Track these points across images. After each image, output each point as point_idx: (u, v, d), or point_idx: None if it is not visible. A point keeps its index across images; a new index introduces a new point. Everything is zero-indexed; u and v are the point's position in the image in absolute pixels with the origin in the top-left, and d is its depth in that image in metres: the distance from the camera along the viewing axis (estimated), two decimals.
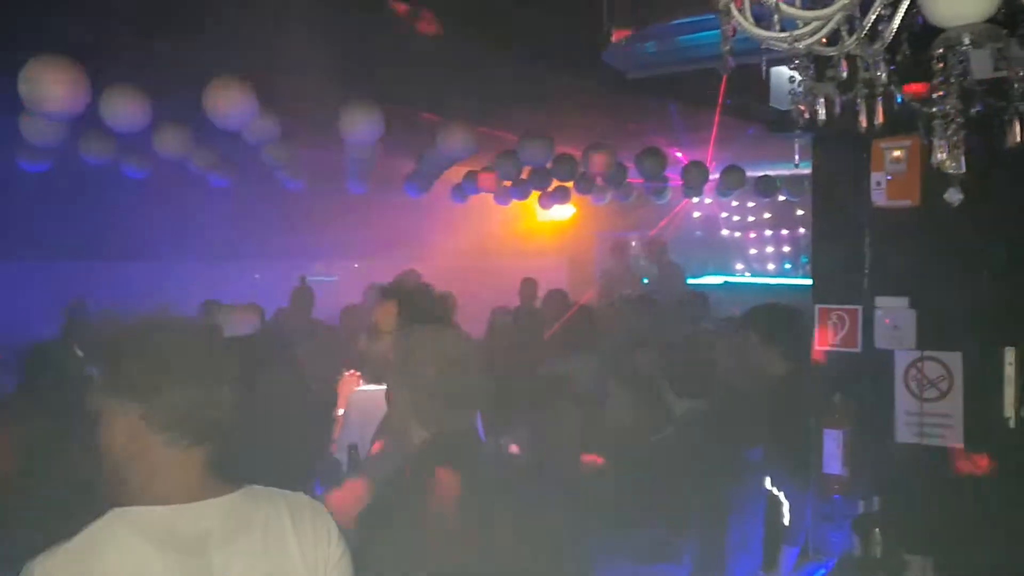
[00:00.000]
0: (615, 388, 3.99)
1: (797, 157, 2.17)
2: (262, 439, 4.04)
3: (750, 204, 12.79)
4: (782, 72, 1.97)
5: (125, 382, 1.79)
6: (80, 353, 4.36)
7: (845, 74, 1.76)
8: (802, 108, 1.81)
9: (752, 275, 12.87)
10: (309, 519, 1.91)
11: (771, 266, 12.94)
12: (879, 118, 1.80)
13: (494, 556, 2.17)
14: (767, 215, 12.84)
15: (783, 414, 3.88)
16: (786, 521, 3.70)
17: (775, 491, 3.70)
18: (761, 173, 10.74)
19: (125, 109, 5.28)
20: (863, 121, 1.78)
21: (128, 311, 1.91)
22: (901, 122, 2.10)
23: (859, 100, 1.78)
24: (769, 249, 13.05)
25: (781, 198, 11.50)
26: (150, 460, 1.80)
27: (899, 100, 1.95)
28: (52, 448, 3.57)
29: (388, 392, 2.39)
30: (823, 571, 3.64)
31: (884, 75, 1.68)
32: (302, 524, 1.89)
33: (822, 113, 1.78)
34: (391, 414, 2.38)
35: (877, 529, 3.34)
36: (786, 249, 12.81)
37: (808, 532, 3.77)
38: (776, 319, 4.23)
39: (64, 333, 6.93)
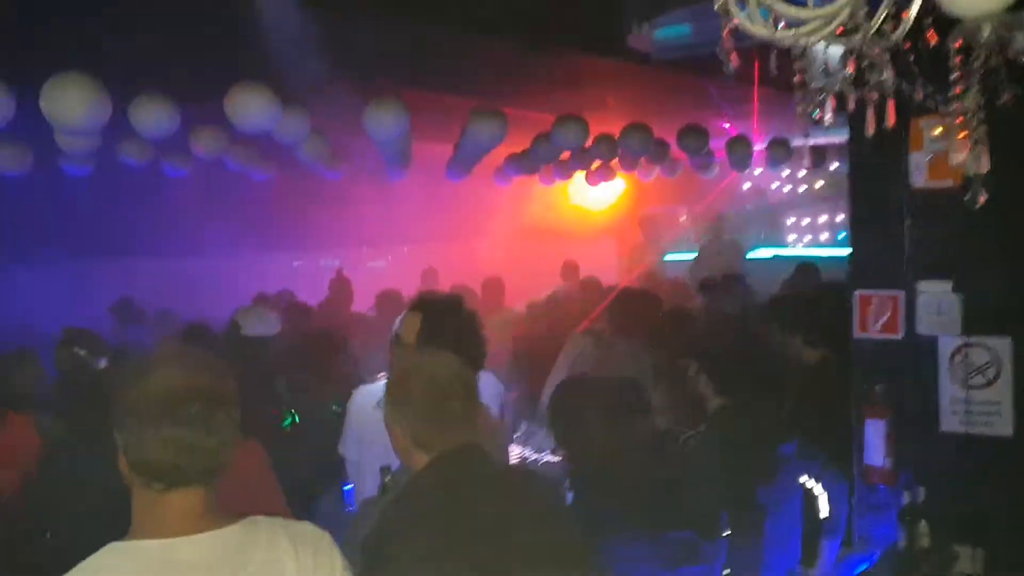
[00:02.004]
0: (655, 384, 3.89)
1: (807, 161, 2.08)
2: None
3: (801, 174, 12.44)
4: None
5: (114, 417, 1.79)
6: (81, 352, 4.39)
7: (852, 72, 1.66)
8: (810, 108, 1.72)
9: (804, 247, 12.55)
10: (311, 551, 1.88)
11: (824, 236, 12.61)
12: (890, 120, 1.70)
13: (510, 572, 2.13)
14: (819, 184, 12.49)
15: (816, 403, 3.78)
16: (824, 514, 3.60)
17: (811, 483, 3.60)
18: (812, 142, 10.44)
19: (154, 116, 5.27)
20: (870, 126, 1.68)
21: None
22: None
23: (867, 103, 1.68)
24: (822, 219, 12.70)
25: (834, 166, 11.16)
26: (139, 495, 1.79)
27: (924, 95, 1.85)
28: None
29: (385, 416, 2.37)
30: (866, 563, 3.55)
31: (888, 77, 1.58)
32: (304, 556, 1.86)
33: (829, 115, 1.69)
34: (391, 438, 2.36)
35: (924, 520, 3.24)
36: (839, 219, 12.46)
37: (851, 523, 3.67)
38: (798, 308, 4.12)
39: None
